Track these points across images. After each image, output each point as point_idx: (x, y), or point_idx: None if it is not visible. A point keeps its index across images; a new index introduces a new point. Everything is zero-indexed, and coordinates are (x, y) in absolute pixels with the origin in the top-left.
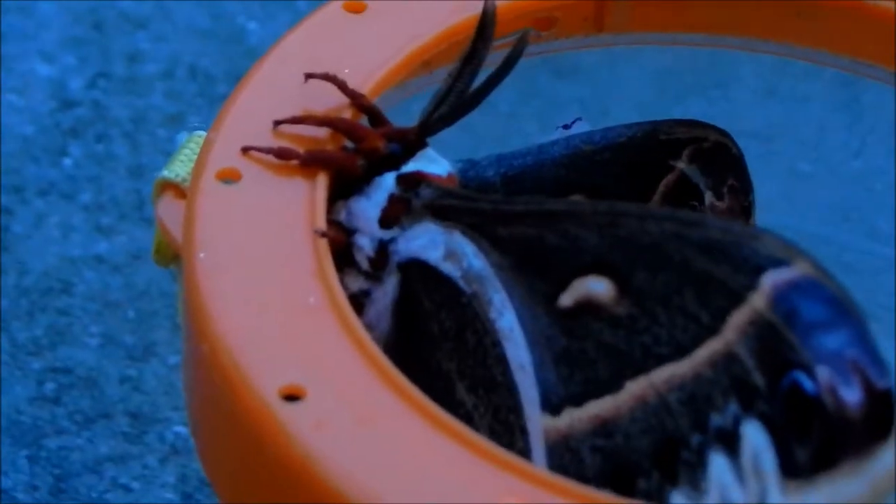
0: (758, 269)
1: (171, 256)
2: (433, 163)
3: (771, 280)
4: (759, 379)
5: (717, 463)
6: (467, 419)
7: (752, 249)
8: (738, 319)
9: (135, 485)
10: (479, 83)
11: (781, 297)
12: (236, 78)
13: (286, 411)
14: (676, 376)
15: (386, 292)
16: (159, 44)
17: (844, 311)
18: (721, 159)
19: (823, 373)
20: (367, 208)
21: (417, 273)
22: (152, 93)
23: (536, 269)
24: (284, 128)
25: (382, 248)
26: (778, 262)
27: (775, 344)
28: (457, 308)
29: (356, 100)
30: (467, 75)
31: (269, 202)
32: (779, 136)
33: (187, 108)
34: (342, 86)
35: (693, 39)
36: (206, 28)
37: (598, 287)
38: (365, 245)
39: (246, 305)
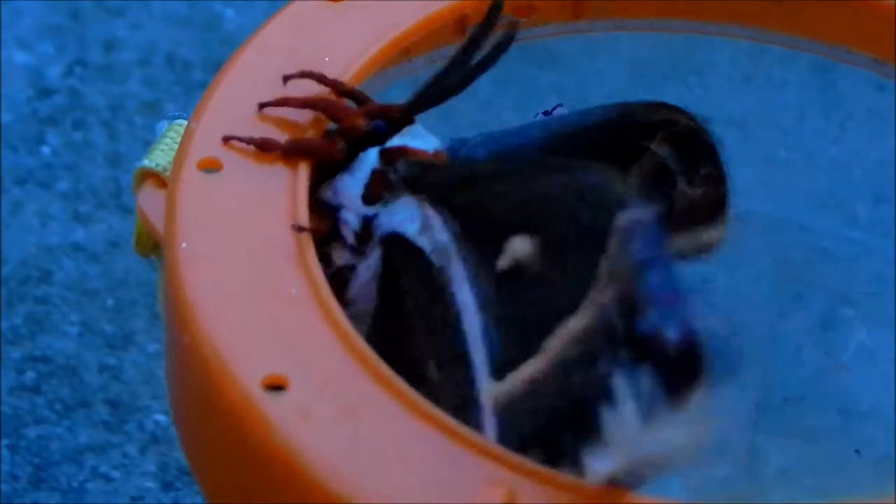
0: (612, 214)
1: (152, 246)
2: (419, 138)
3: (622, 222)
4: (620, 325)
5: (609, 414)
6: (435, 399)
7: (612, 193)
8: (604, 267)
9: (115, 474)
10: (466, 69)
11: (625, 242)
12: (213, 65)
13: (269, 402)
14: (573, 331)
15: (369, 266)
16: (136, 31)
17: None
18: (693, 145)
19: (653, 315)
20: (351, 185)
21: (397, 247)
22: (129, 80)
23: (481, 235)
24: (267, 112)
25: (367, 223)
26: (624, 204)
27: (627, 289)
28: (427, 282)
29: (337, 87)
30: (468, 58)
31: (250, 192)
32: (756, 122)
33: (164, 95)
34: (321, 78)
35: (670, 26)
36: (182, 15)
37: (522, 246)
38: (350, 220)
39: (228, 296)
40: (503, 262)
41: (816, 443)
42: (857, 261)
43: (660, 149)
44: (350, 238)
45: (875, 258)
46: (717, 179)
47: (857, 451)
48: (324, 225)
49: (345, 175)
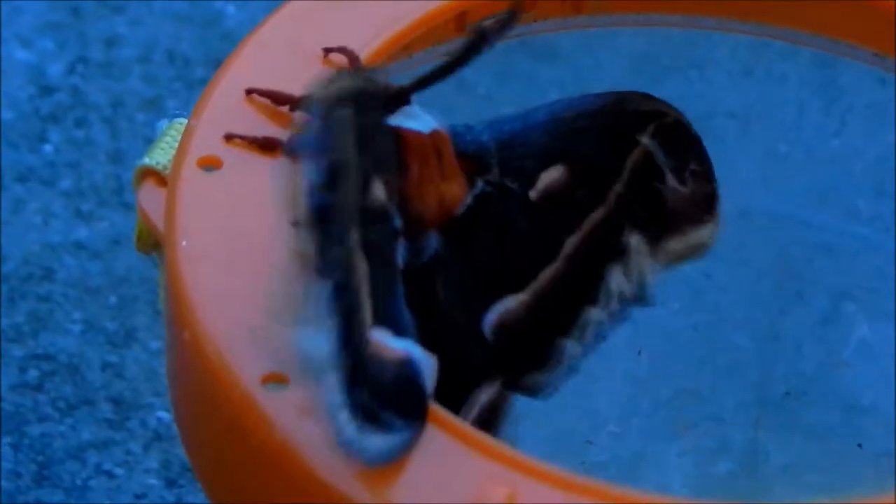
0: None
1: (153, 244)
2: (412, 119)
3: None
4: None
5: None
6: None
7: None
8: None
9: (118, 471)
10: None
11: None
12: (214, 61)
13: (269, 398)
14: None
15: None
16: (136, 28)
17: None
18: (681, 138)
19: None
20: (311, 169)
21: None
22: (130, 77)
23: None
24: (266, 106)
25: (328, 215)
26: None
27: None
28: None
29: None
30: (471, 56)
31: (250, 189)
32: (756, 116)
33: (165, 92)
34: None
35: (670, 20)
36: (183, 12)
37: (555, 174)
38: (309, 205)
39: (228, 293)
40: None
41: (818, 439)
42: (858, 255)
43: (650, 141)
44: (307, 222)
45: (876, 253)
46: (704, 176)
47: (859, 446)
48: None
49: (310, 160)
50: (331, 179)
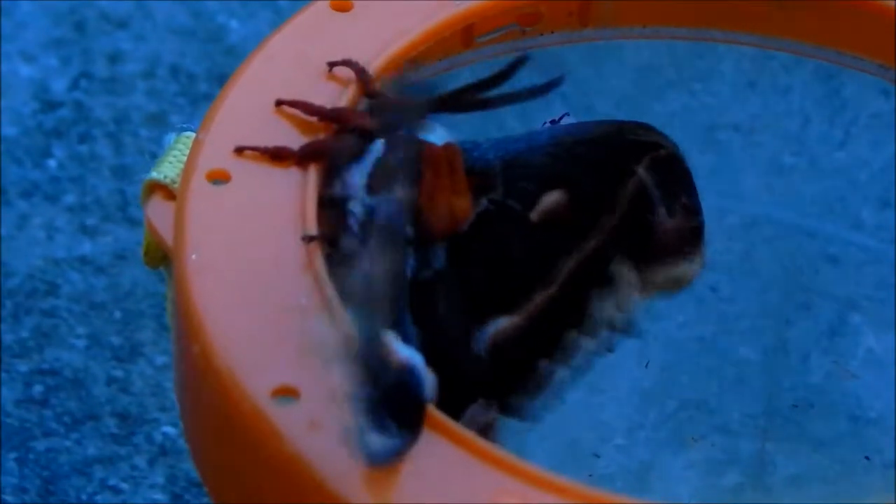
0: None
1: (161, 258)
2: (428, 131)
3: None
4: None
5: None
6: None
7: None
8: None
9: (123, 486)
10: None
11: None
12: (217, 76)
13: (279, 412)
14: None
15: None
16: (140, 43)
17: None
18: (674, 172)
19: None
20: (357, 175)
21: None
22: (134, 92)
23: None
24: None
25: (370, 213)
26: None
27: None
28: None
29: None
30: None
31: (259, 202)
32: (761, 128)
33: (169, 107)
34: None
35: (675, 33)
36: (186, 27)
37: (555, 197)
38: (356, 210)
39: (238, 306)
40: (535, 215)
41: (825, 450)
42: (864, 266)
43: (644, 173)
44: (356, 229)
45: (882, 263)
46: (693, 210)
47: (866, 458)
48: (335, 219)
49: (354, 165)
50: (392, 177)
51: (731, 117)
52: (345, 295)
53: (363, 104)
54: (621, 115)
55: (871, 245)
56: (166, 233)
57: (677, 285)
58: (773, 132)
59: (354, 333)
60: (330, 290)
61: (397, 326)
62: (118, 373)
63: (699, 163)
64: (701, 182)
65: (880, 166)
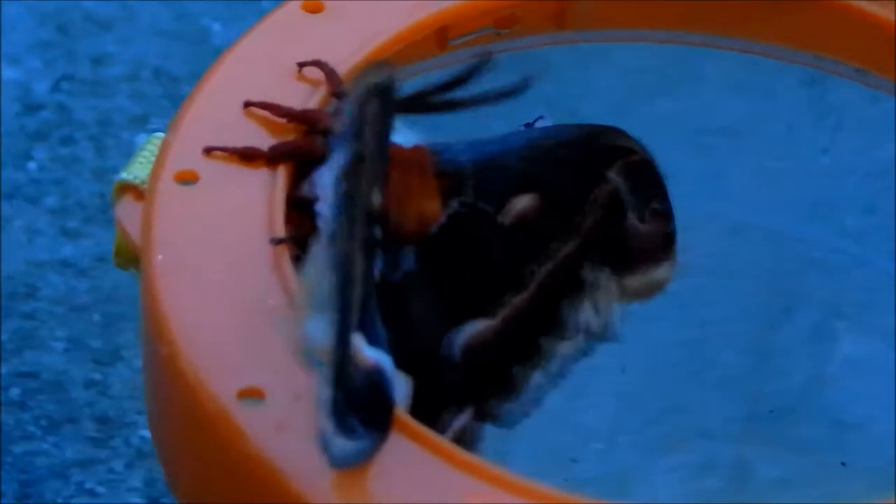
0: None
1: (132, 259)
2: (395, 132)
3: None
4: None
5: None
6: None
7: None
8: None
9: (101, 489)
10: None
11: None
12: None
13: (245, 413)
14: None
15: None
16: (124, 46)
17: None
18: (646, 177)
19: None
20: (326, 176)
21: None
22: (117, 95)
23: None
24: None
25: (336, 214)
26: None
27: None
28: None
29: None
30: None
31: (227, 203)
32: (747, 132)
33: (153, 109)
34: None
35: (658, 36)
36: (170, 30)
37: (527, 200)
38: (325, 212)
39: (204, 307)
40: (506, 217)
41: (806, 454)
42: (849, 271)
43: (616, 178)
44: (324, 229)
45: (865, 269)
46: (664, 216)
47: (843, 464)
48: (304, 220)
49: (323, 167)
50: (353, 171)
51: (717, 121)
52: (310, 297)
53: (332, 105)
54: (607, 120)
55: (855, 250)
56: (135, 234)
57: (651, 290)
58: (758, 137)
59: (319, 336)
60: (298, 292)
61: (365, 328)
62: (97, 376)
63: (685, 167)
64: (686, 186)
65: (865, 171)
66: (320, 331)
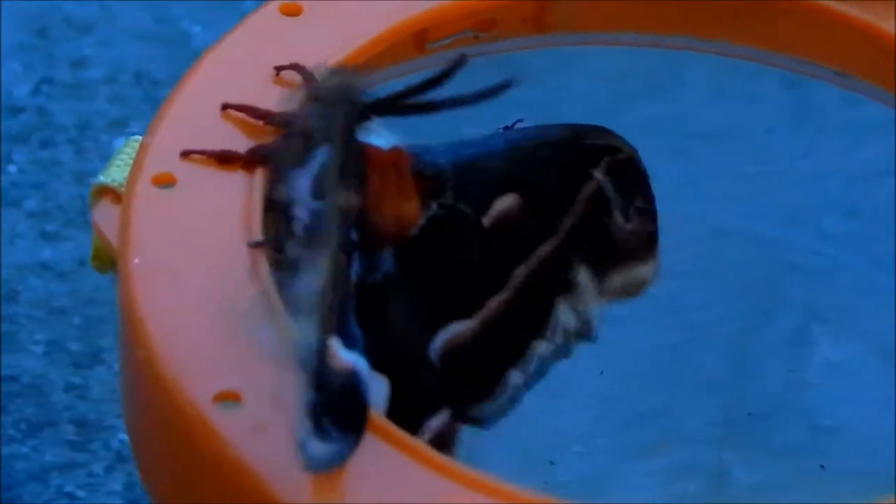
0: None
1: (110, 262)
2: (374, 134)
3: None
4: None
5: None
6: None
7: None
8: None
9: (80, 493)
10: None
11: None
12: None
13: (222, 416)
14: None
15: None
16: (104, 49)
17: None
18: (631, 176)
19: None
20: (303, 179)
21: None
22: (97, 98)
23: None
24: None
25: (315, 217)
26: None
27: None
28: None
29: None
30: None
31: (204, 206)
32: (727, 137)
33: (132, 112)
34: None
35: (638, 39)
36: (150, 33)
37: (508, 201)
38: (301, 215)
39: (181, 310)
40: (487, 220)
41: (784, 458)
42: (829, 275)
43: (602, 177)
44: (300, 232)
45: (845, 273)
46: (648, 215)
47: (821, 467)
48: (280, 224)
49: (300, 170)
50: (324, 174)
51: (697, 126)
52: (287, 300)
53: (309, 108)
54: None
55: (835, 254)
56: (113, 237)
57: (634, 290)
58: (738, 141)
59: (296, 339)
60: (275, 296)
61: (341, 331)
62: (76, 379)
63: (666, 171)
64: (666, 190)
65: (846, 176)
66: (301, 334)
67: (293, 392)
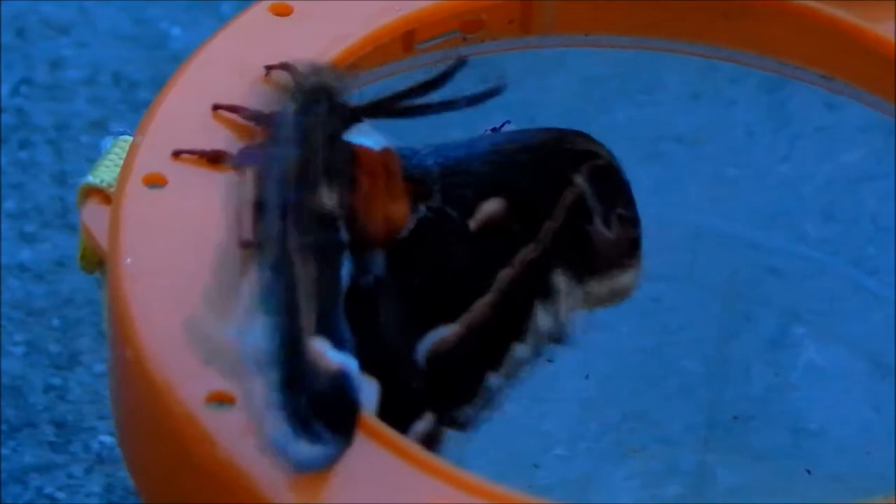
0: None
1: (97, 263)
2: (364, 136)
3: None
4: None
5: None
6: None
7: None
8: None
9: (60, 495)
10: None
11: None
12: (160, 83)
13: (213, 418)
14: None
15: None
16: (82, 50)
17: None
18: (612, 182)
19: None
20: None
21: None
22: (75, 99)
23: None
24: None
25: (273, 215)
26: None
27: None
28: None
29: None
30: (422, 94)
31: (195, 206)
32: (706, 140)
33: (111, 114)
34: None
35: (618, 41)
36: (129, 34)
37: (494, 205)
38: (269, 215)
39: (172, 311)
40: (474, 224)
41: (766, 462)
42: (808, 279)
43: (582, 183)
44: (268, 232)
45: (825, 276)
46: (630, 221)
47: (808, 472)
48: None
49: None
50: (278, 174)
51: (676, 129)
52: (266, 301)
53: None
54: (565, 126)
55: (814, 257)
56: (102, 237)
57: (616, 297)
58: (717, 144)
59: (271, 340)
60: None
61: (330, 332)
62: (56, 380)
63: (643, 174)
64: (645, 193)
65: (824, 179)
66: (259, 335)
67: (270, 395)
